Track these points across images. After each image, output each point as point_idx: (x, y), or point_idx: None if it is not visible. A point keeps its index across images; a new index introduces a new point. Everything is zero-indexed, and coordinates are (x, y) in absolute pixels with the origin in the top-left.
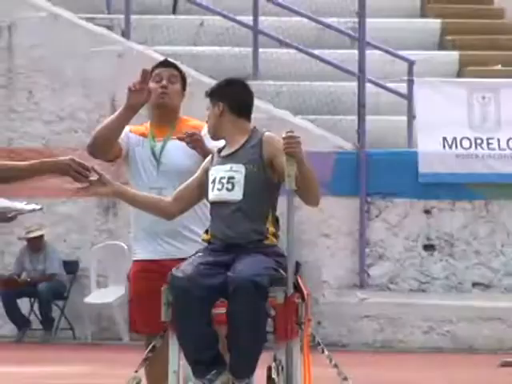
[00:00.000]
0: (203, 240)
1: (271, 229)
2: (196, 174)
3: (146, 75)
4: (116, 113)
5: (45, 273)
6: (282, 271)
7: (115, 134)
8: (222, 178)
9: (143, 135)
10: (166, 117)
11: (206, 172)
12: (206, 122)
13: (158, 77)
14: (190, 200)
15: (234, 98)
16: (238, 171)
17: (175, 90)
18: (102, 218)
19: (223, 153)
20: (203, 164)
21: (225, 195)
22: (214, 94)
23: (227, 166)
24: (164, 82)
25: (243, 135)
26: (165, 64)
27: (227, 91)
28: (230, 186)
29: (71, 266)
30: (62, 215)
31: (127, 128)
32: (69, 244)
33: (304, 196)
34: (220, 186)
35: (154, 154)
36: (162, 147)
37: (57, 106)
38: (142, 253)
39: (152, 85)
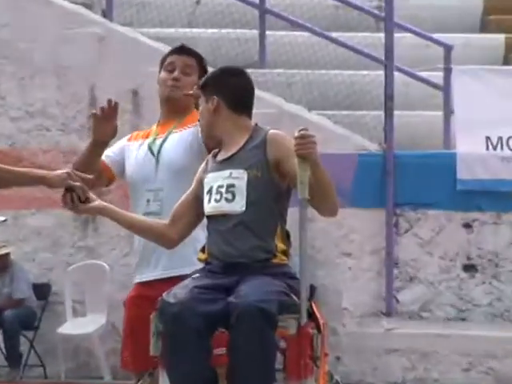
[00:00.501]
0: (199, 260)
1: (280, 245)
2: (190, 188)
3: (114, 107)
4: (85, 148)
5: (11, 298)
6: (293, 296)
7: (93, 167)
8: (219, 187)
9: (143, 137)
10: (174, 112)
11: (201, 182)
12: (198, 120)
13: (170, 66)
14: (188, 221)
15: (230, 90)
16: (239, 177)
17: (189, 82)
18: (79, 232)
19: (220, 157)
20: (197, 174)
21: (224, 207)
22: (207, 87)
23: (225, 172)
24: (176, 74)
25: (243, 134)
26: (180, 51)
27: (222, 83)
28: (229, 196)
29: (42, 290)
30: (31, 229)
31: (124, 140)
32: (40, 264)
33: (319, 206)
34: (218, 197)
35: (151, 151)
36: (163, 142)
37: (25, 99)
38: (138, 273)
39: (162, 74)
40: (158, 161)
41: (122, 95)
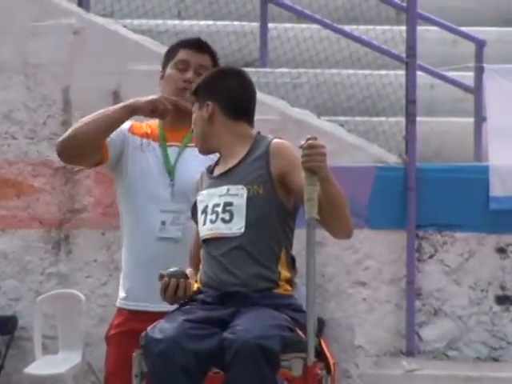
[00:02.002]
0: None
1: (284, 273)
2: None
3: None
4: (113, 108)
5: None
6: (299, 331)
7: (105, 135)
8: (215, 206)
9: (145, 136)
10: (183, 118)
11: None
12: (192, 130)
13: (182, 64)
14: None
15: (228, 94)
16: (238, 195)
17: None
18: (50, 257)
19: (217, 171)
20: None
21: (220, 229)
22: (201, 92)
23: (222, 189)
24: (189, 75)
25: (244, 145)
26: (197, 46)
27: (217, 86)
28: (226, 216)
29: (7, 324)
30: None
31: (127, 124)
32: (4, 293)
33: (330, 226)
34: (213, 217)
35: (167, 163)
36: (178, 156)
37: None
38: (132, 300)
39: (172, 72)
40: (173, 178)
41: (100, 97)
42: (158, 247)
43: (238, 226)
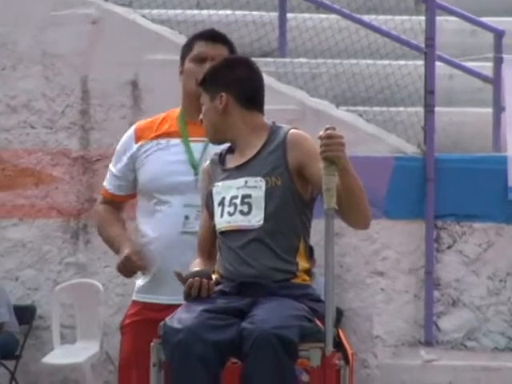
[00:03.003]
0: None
1: (303, 264)
2: (203, 214)
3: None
4: (115, 247)
5: None
6: (317, 321)
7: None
8: (233, 198)
9: (162, 136)
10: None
11: (211, 197)
12: (201, 121)
13: (200, 57)
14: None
15: (240, 84)
16: (256, 187)
17: None
18: (69, 246)
19: (232, 162)
20: (202, 190)
21: (239, 221)
22: (210, 82)
23: (240, 181)
24: (208, 67)
25: (260, 136)
26: (211, 37)
27: (229, 76)
28: (245, 209)
29: (25, 314)
30: (12, 242)
31: (131, 134)
32: (23, 283)
33: (348, 216)
34: (231, 210)
35: (191, 159)
36: (203, 151)
37: (6, 92)
38: (147, 292)
39: (191, 66)
40: (197, 172)
41: (118, 87)
42: (181, 241)
43: (256, 219)
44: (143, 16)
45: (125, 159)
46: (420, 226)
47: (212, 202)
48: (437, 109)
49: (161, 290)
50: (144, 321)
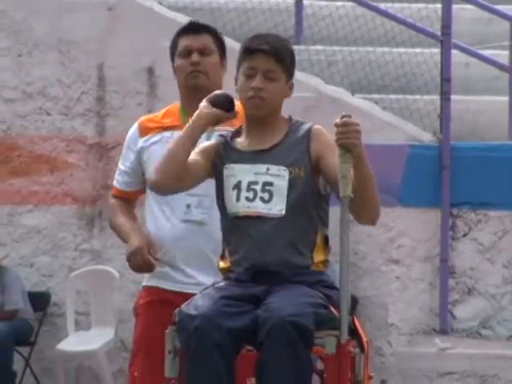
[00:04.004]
0: (221, 270)
1: (319, 257)
2: (196, 157)
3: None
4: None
5: (3, 308)
6: (332, 309)
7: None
8: (252, 184)
9: (166, 129)
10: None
11: (212, 164)
12: (254, 95)
13: (185, 51)
14: (192, 179)
15: (293, 70)
16: (279, 175)
17: (211, 63)
18: (83, 233)
19: (248, 145)
20: (203, 149)
21: (259, 208)
22: (292, 65)
23: (260, 167)
24: (195, 58)
25: (282, 125)
26: (192, 29)
27: (293, 59)
28: (266, 196)
29: (40, 300)
30: (27, 229)
31: (135, 130)
32: (37, 269)
33: (357, 208)
34: (251, 195)
35: None
36: (205, 141)
37: (22, 78)
38: (160, 279)
39: (179, 62)
40: None
41: (135, 74)
42: (182, 229)
43: (278, 208)
44: (160, 3)
45: (132, 155)
46: (435, 214)
47: (220, 179)
48: (453, 97)
49: (169, 277)
50: (157, 302)
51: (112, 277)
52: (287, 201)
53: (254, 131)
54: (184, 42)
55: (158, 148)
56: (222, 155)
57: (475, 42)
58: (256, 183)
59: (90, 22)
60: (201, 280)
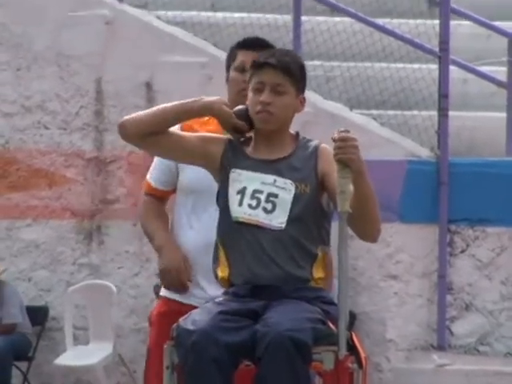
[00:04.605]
0: (221, 278)
1: (318, 274)
2: (197, 141)
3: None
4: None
5: (1, 323)
6: (330, 324)
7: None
8: (256, 192)
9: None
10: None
11: (220, 163)
12: (262, 109)
13: (241, 66)
14: (175, 144)
15: (304, 84)
16: (285, 189)
17: None
18: (82, 247)
19: (256, 153)
20: (212, 139)
21: (260, 217)
22: (303, 79)
23: (267, 177)
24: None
25: (291, 140)
26: (253, 46)
27: (303, 73)
28: (269, 207)
29: (38, 314)
30: (26, 243)
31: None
32: (35, 283)
33: (358, 225)
34: (254, 203)
35: None
36: None
37: (21, 92)
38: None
39: (233, 75)
40: None
41: (133, 88)
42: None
43: (279, 220)
44: (158, 17)
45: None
46: (433, 230)
47: (225, 182)
48: (451, 113)
49: (193, 291)
50: (172, 313)
51: (110, 291)
52: (289, 215)
53: (263, 143)
54: (242, 57)
55: None
56: (230, 157)
57: (473, 58)
58: (261, 192)
59: (88, 36)
60: (211, 293)
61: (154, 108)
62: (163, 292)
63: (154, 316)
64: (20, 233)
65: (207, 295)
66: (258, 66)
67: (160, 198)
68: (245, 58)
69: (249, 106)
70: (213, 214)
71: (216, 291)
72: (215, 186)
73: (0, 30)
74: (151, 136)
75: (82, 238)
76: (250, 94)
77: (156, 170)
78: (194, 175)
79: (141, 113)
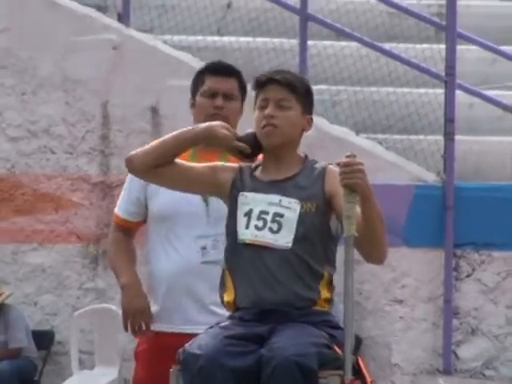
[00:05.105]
0: (226, 303)
1: (325, 293)
2: (206, 170)
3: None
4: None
5: (6, 347)
6: (336, 349)
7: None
8: (262, 213)
9: None
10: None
11: (230, 188)
12: (266, 123)
13: (210, 92)
14: (181, 174)
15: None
16: (290, 208)
17: (234, 109)
18: (87, 272)
19: (264, 176)
20: (222, 168)
21: (267, 238)
22: (309, 98)
23: (273, 197)
24: (219, 102)
25: (298, 161)
26: (222, 72)
27: (309, 93)
28: (274, 227)
29: (44, 339)
30: (32, 267)
31: None
32: (41, 308)
33: (365, 248)
34: (260, 224)
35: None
36: None
37: (26, 116)
38: (160, 321)
39: (202, 100)
40: (207, 203)
41: (139, 113)
42: (199, 271)
43: (285, 240)
44: (164, 42)
45: (138, 184)
46: (439, 255)
47: (234, 206)
48: (457, 137)
49: (173, 317)
50: (157, 348)
51: (116, 316)
52: (295, 234)
53: (271, 164)
54: (211, 83)
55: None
56: (240, 183)
57: (479, 83)
58: (267, 213)
59: (94, 60)
60: (200, 319)
61: (158, 139)
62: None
63: (138, 352)
64: (26, 257)
65: (187, 320)
66: (262, 84)
67: (128, 230)
68: (212, 83)
69: (255, 124)
70: (186, 239)
71: (199, 315)
72: (188, 210)
73: (5, 55)
74: (158, 168)
75: (88, 263)
76: (256, 113)
77: (124, 201)
78: (164, 202)
79: (146, 146)
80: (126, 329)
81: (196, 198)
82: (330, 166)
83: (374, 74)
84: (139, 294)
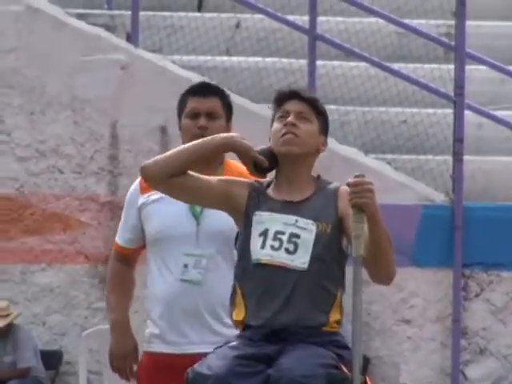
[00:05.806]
0: (236, 321)
1: (336, 315)
2: (220, 183)
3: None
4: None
5: (15, 367)
6: (344, 369)
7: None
8: (278, 233)
9: None
10: (206, 162)
11: (245, 206)
12: (287, 130)
13: (192, 113)
14: (193, 185)
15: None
16: (307, 229)
17: (217, 128)
18: (95, 291)
19: (278, 195)
20: (235, 182)
21: (283, 258)
22: (325, 119)
23: (289, 218)
24: (202, 122)
25: (312, 182)
26: (201, 91)
27: (325, 115)
28: (291, 247)
29: (52, 359)
30: (40, 287)
31: (136, 187)
32: (50, 328)
33: (373, 268)
34: (276, 244)
35: (192, 209)
36: None
37: (35, 136)
38: (158, 342)
39: (186, 122)
40: (199, 223)
41: (148, 133)
42: (181, 289)
43: (301, 260)
44: (173, 62)
45: (133, 211)
46: (448, 275)
47: (248, 225)
48: (465, 157)
49: (169, 337)
50: (156, 368)
51: None
52: (311, 255)
53: (284, 184)
54: (192, 104)
55: (157, 206)
56: (253, 200)
57: (488, 103)
58: (283, 233)
59: (103, 80)
60: (194, 339)
61: (175, 149)
62: (144, 347)
63: (139, 372)
64: (34, 277)
65: (184, 339)
66: (283, 98)
67: (127, 257)
68: (194, 104)
69: (272, 136)
70: (176, 257)
71: (192, 332)
72: (180, 232)
73: (13, 75)
74: (173, 177)
75: (97, 282)
76: (274, 125)
77: (121, 228)
78: (157, 225)
79: (162, 155)
80: (112, 370)
81: (188, 219)
82: (343, 187)
83: (382, 94)
84: (126, 335)
